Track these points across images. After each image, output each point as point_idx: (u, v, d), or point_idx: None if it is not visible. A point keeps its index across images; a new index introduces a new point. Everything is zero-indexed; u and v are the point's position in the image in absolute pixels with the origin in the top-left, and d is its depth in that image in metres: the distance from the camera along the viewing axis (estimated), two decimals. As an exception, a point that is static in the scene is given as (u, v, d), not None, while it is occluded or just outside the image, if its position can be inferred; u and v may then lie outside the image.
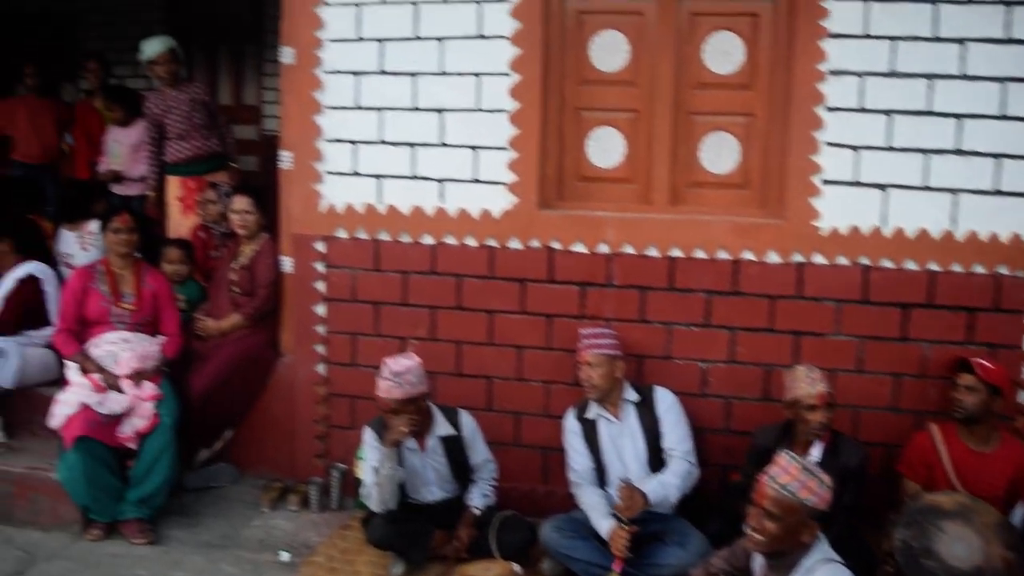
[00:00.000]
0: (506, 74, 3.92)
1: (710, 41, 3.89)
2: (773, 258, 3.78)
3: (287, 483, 4.37)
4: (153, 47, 5.22)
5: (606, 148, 4.02)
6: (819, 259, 3.75)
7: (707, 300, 3.85)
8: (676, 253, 3.84)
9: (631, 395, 3.61)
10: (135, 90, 6.21)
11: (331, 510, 4.20)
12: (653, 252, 3.86)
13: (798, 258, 3.77)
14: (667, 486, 3.40)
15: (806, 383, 3.32)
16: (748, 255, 3.80)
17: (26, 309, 4.53)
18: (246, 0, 7.08)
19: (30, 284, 4.56)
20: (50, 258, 4.99)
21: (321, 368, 4.32)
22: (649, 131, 3.95)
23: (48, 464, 4.10)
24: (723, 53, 3.89)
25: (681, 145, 3.94)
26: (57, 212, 5.72)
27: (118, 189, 5.89)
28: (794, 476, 2.50)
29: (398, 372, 3.43)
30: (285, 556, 3.76)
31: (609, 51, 3.97)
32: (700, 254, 3.82)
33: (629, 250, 3.88)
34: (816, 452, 3.32)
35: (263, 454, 4.51)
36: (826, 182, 3.72)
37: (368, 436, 3.60)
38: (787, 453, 2.62)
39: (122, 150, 5.82)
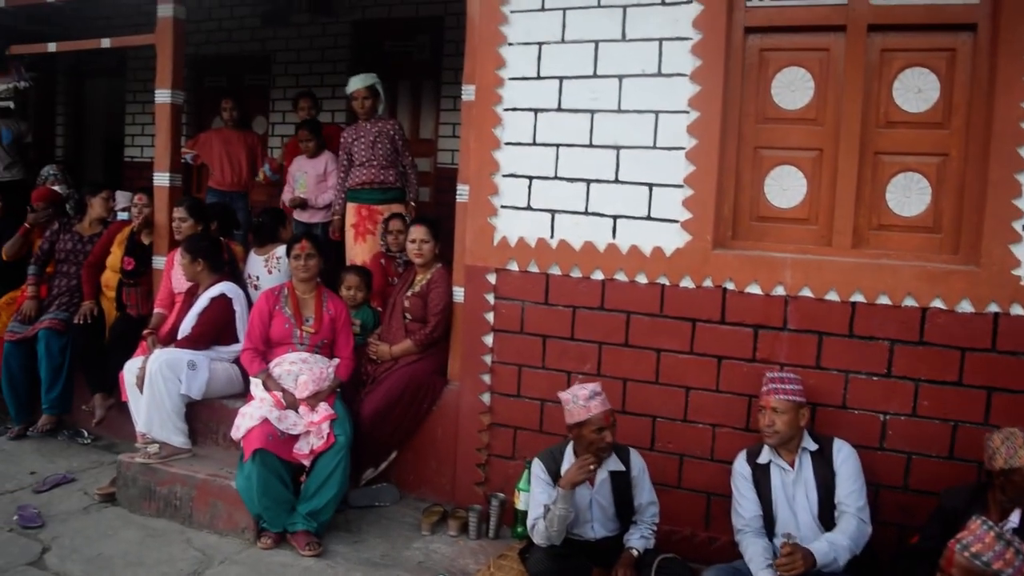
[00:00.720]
0: (685, 111, 3.88)
1: (901, 78, 3.73)
2: (965, 307, 3.54)
3: (447, 508, 4.44)
4: (354, 83, 5.56)
5: (786, 187, 3.91)
6: (1019, 310, 3.48)
7: (890, 349, 3.63)
8: (858, 298, 3.66)
9: (809, 444, 3.45)
10: (322, 124, 6.57)
11: (488, 538, 4.22)
12: (833, 296, 3.69)
13: (994, 308, 3.50)
14: (837, 548, 3.19)
15: None
16: (938, 303, 3.57)
17: (217, 326, 4.81)
18: (427, 39, 7.40)
19: (222, 303, 4.83)
20: (240, 279, 5.30)
21: (486, 397, 4.38)
22: (833, 171, 3.81)
23: (228, 472, 4.31)
24: (915, 90, 3.71)
25: (866, 186, 3.78)
26: (246, 236, 6.12)
27: (302, 216, 6.24)
28: (988, 545, 2.32)
29: (595, 391, 3.43)
30: (443, 581, 3.81)
31: (792, 88, 3.88)
32: (884, 300, 3.62)
33: (807, 293, 3.73)
34: (1015, 519, 3.04)
35: (425, 477, 4.62)
36: (1029, 228, 3.46)
37: (537, 469, 3.59)
38: (981, 519, 2.44)
39: (308, 180, 6.16)
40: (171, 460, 4.50)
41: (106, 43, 5.96)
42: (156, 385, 4.50)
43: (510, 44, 4.24)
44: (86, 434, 5.59)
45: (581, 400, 3.41)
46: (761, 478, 3.48)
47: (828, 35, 3.81)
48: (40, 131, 9.55)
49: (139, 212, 5.67)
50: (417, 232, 4.72)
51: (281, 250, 5.30)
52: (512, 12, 4.23)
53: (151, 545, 4.08)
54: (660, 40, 3.93)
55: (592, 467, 3.39)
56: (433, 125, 7.42)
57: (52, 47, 6.32)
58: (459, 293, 4.51)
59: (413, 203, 5.65)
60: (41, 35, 7.91)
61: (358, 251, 5.61)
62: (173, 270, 5.31)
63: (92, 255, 5.71)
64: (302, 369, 4.37)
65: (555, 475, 3.51)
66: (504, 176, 4.28)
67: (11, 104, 6.78)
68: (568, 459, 3.54)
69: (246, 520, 4.15)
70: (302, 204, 6.19)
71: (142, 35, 5.70)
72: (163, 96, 5.50)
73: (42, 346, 5.47)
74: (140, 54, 8.37)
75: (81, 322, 5.52)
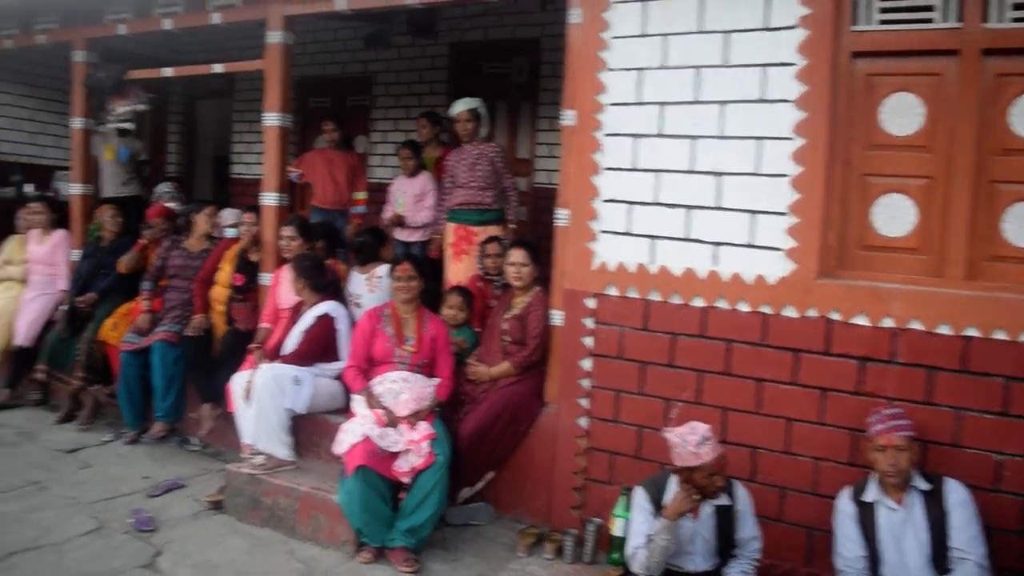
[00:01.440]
0: (789, 138, 3.83)
1: (1018, 103, 3.59)
2: (1088, 344, 3.39)
3: (542, 530, 4.46)
4: (458, 106, 5.68)
5: (894, 216, 3.80)
6: None
7: (1006, 386, 3.48)
8: (972, 332, 3.52)
9: (920, 483, 3.35)
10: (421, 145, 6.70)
11: (583, 563, 4.21)
12: (945, 330, 3.57)
13: (1120, 346, 3.35)
14: None
15: None
16: (1058, 339, 3.42)
17: (320, 344, 4.95)
18: (524, 61, 7.48)
19: (326, 322, 4.98)
20: (343, 298, 5.44)
21: (583, 421, 4.39)
22: (945, 199, 3.69)
23: (330, 486, 4.43)
24: (1034, 117, 3.58)
25: (981, 215, 3.65)
26: (347, 255, 6.28)
27: (400, 235, 6.37)
28: None
29: (704, 435, 3.34)
30: (539, 603, 3.83)
31: (901, 114, 3.78)
32: (1000, 335, 3.48)
33: (917, 326, 3.62)
34: None
35: (520, 498, 4.65)
36: None
37: (640, 498, 3.56)
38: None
39: (406, 199, 6.29)
40: (276, 472, 4.64)
41: (218, 68, 6.22)
42: (263, 399, 4.67)
43: (610, 70, 4.27)
44: (194, 441, 5.82)
45: (691, 446, 3.32)
46: (866, 517, 3.39)
47: (940, 60, 3.70)
48: (154, 149, 10.03)
49: (247, 230, 5.87)
50: (516, 255, 4.78)
51: (382, 269, 5.43)
52: (612, 38, 4.26)
53: (256, 554, 4.22)
54: (764, 66, 3.89)
55: (697, 497, 3.36)
56: (530, 145, 7.47)
57: (168, 72, 6.63)
58: (557, 316, 4.53)
59: (512, 225, 5.69)
60: (157, 59, 8.34)
61: (455, 270, 5.70)
62: (279, 286, 5.49)
63: (203, 271, 5.95)
64: (403, 388, 4.46)
65: (658, 505, 3.49)
66: (604, 201, 4.30)
67: (130, 125, 7.11)
68: (672, 489, 3.50)
69: (347, 534, 4.25)
70: (400, 222, 6.32)
71: (252, 61, 5.92)
72: (271, 119, 5.70)
73: (157, 357, 5.71)
74: (247, 75, 8.67)
75: (193, 335, 5.75)
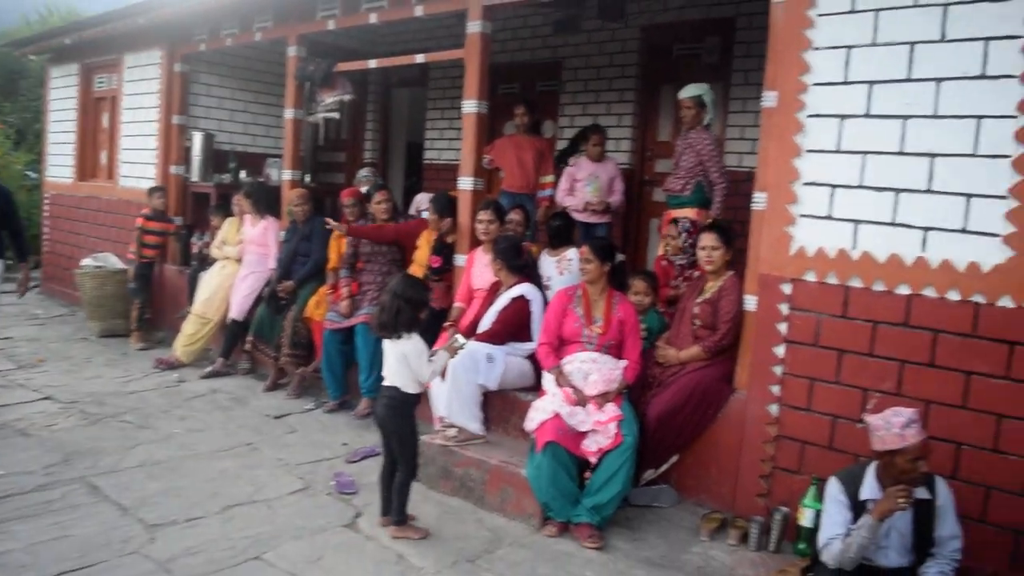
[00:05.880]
0: (1012, 116, 3.58)
1: None
2: None
3: (726, 516, 4.42)
4: (681, 93, 5.72)
5: None
6: None
7: None
8: None
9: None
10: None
11: (768, 551, 4.15)
12: None
13: None
14: None
15: None
16: None
17: (514, 324, 5.10)
18: (716, 41, 7.34)
19: (521, 303, 5.13)
20: (537, 279, 5.54)
21: (774, 408, 4.31)
22: None
23: (518, 461, 4.57)
24: None
25: None
26: (534, 237, 6.40)
27: (582, 217, 6.44)
28: None
29: (911, 418, 3.19)
30: (725, 589, 3.81)
31: None
32: None
33: None
34: None
35: (704, 483, 4.63)
36: None
37: (835, 490, 3.43)
38: None
39: (600, 183, 6.36)
40: (467, 444, 4.84)
41: (420, 59, 6.50)
42: (457, 375, 4.87)
43: (815, 48, 4.14)
44: (389, 412, 6.13)
45: (896, 428, 3.19)
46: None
47: None
48: (352, 136, 10.60)
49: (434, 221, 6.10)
50: (707, 239, 4.73)
51: (572, 252, 5.52)
52: (819, 16, 4.13)
53: (447, 521, 4.42)
54: (986, 39, 3.65)
55: (905, 500, 3.18)
56: (719, 127, 7.30)
57: (373, 63, 6.99)
58: (751, 302, 4.47)
59: (714, 213, 5.54)
60: (356, 51, 8.80)
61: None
62: (473, 267, 5.69)
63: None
64: (592, 368, 4.53)
65: (853, 497, 3.37)
66: (804, 184, 4.18)
67: (336, 115, 7.54)
68: (868, 483, 3.37)
69: (533, 507, 4.38)
70: (607, 208, 6.47)
71: (452, 51, 6.15)
72: (470, 107, 5.90)
73: (360, 339, 6.10)
74: (440, 64, 8.98)
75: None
